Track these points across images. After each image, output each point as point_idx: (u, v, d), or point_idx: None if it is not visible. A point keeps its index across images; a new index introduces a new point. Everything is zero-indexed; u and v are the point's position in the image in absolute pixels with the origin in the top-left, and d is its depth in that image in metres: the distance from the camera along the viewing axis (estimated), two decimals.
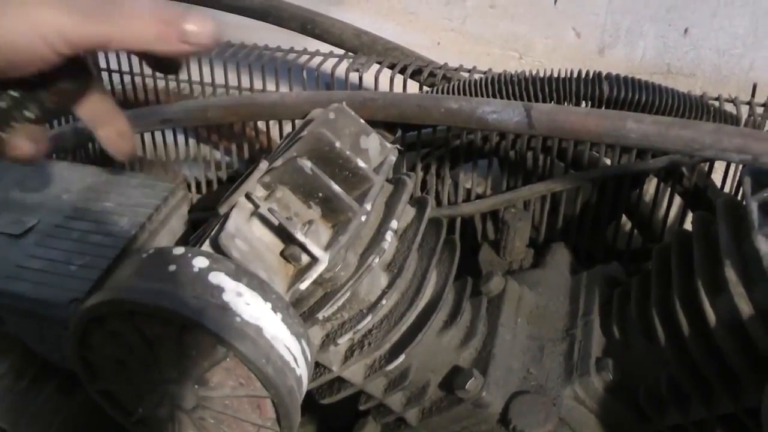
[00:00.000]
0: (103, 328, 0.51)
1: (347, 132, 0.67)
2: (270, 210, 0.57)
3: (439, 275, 0.69)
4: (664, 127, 0.69)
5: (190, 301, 0.48)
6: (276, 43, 1.06)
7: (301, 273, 0.58)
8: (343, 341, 0.62)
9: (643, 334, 0.69)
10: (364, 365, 0.66)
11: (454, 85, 0.85)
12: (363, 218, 0.59)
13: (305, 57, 1.02)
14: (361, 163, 0.62)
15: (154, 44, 0.39)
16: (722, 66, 1.10)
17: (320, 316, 0.59)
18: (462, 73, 0.97)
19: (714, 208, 0.64)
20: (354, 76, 0.96)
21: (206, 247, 0.57)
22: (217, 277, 0.50)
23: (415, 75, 0.97)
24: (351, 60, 0.99)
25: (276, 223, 0.57)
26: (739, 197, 0.86)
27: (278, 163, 0.62)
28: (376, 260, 0.61)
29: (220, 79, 1.04)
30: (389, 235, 0.62)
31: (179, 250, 0.51)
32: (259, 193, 0.62)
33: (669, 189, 0.91)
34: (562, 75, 0.86)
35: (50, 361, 0.72)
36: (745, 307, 0.57)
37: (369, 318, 0.61)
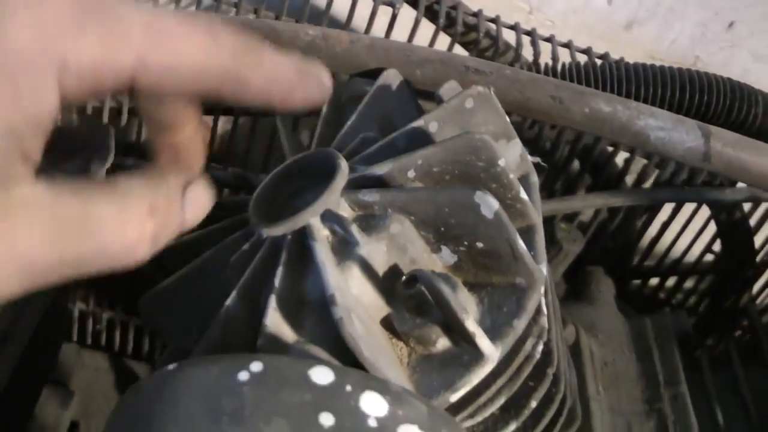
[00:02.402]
0: None
1: (483, 131, 0.46)
2: (430, 278, 0.35)
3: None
4: None
5: None
6: None
7: (435, 363, 0.37)
8: None
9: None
10: None
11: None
12: (542, 290, 0.39)
13: None
14: (523, 194, 0.42)
15: None
16: (753, 72, 0.98)
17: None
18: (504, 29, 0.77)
19: None
20: (382, 13, 0.72)
21: (281, 326, 0.35)
22: None
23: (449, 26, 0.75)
24: None
25: (417, 297, 0.36)
26: None
27: (399, 175, 0.40)
28: (539, 348, 0.41)
29: None
30: (543, 305, 0.43)
31: (325, 376, 0.27)
32: (345, 212, 0.40)
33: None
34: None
35: None
36: None
37: (513, 426, 0.42)
